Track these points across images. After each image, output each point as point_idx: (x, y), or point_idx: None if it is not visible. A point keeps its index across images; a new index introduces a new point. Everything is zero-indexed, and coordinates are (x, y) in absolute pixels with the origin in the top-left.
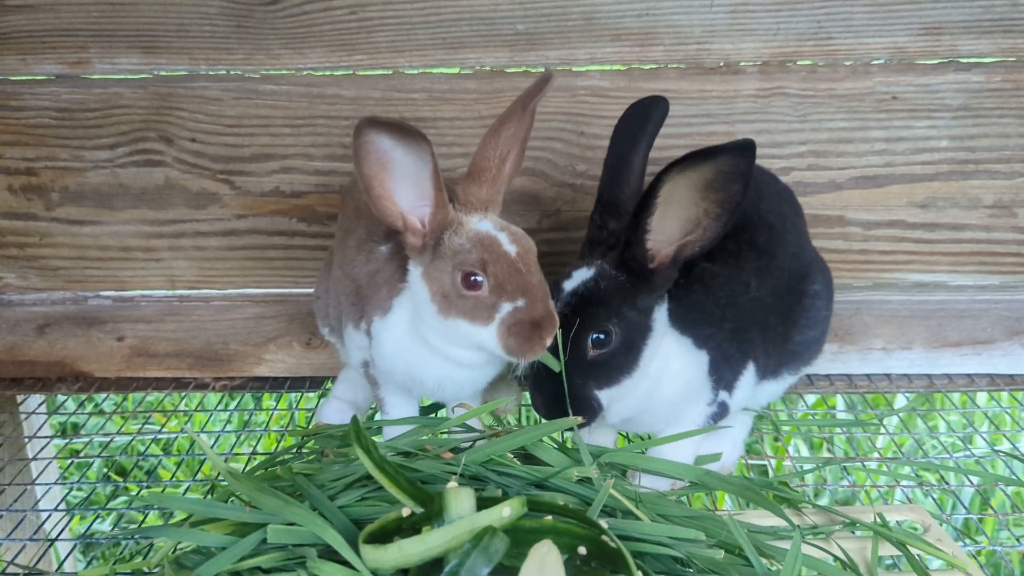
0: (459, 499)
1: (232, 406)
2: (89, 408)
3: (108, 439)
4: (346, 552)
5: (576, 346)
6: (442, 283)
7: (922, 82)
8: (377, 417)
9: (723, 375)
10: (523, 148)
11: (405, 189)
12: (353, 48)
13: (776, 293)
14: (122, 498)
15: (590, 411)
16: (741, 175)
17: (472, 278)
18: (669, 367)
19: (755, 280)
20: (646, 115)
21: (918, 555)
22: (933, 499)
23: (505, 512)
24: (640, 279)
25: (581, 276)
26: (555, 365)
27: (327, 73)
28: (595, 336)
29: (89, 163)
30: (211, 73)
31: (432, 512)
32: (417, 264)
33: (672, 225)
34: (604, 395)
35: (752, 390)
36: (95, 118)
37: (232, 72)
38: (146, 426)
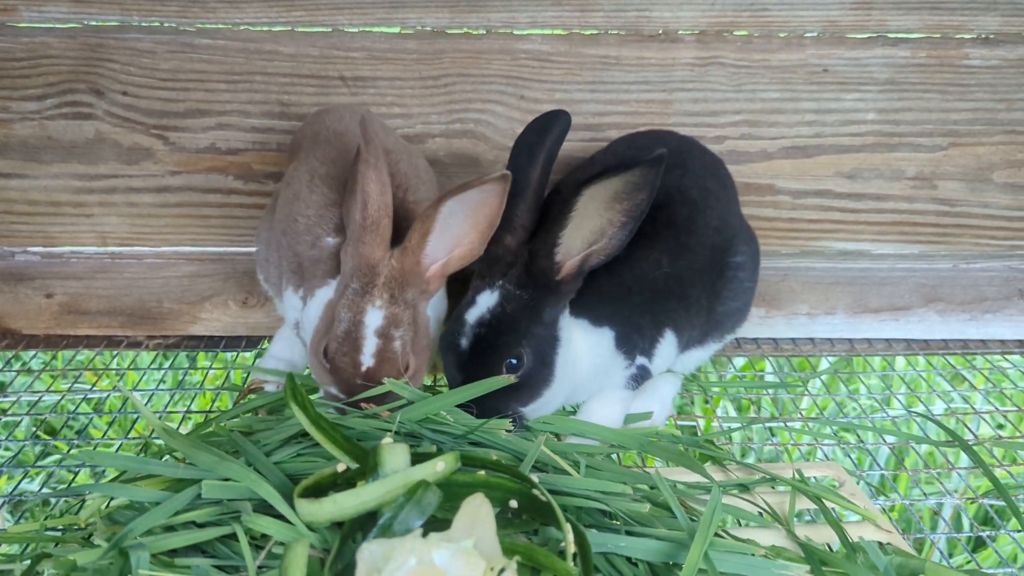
0: (394, 454)
1: (166, 365)
2: (16, 366)
3: (37, 397)
4: (280, 506)
5: (492, 374)
6: (323, 333)
7: (852, 56)
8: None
9: (635, 344)
10: (468, 247)
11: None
12: (292, 4)
13: (696, 267)
14: (52, 457)
15: (516, 426)
16: (648, 184)
17: (326, 352)
18: (577, 350)
19: (667, 257)
20: (545, 129)
21: (833, 508)
22: (851, 458)
23: (439, 467)
24: (546, 293)
25: (486, 302)
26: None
27: (264, 29)
28: (509, 362)
29: (16, 114)
30: (144, 24)
31: (367, 468)
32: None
33: (578, 236)
34: (529, 409)
35: (674, 355)
36: (22, 68)
37: (166, 24)
38: (76, 385)
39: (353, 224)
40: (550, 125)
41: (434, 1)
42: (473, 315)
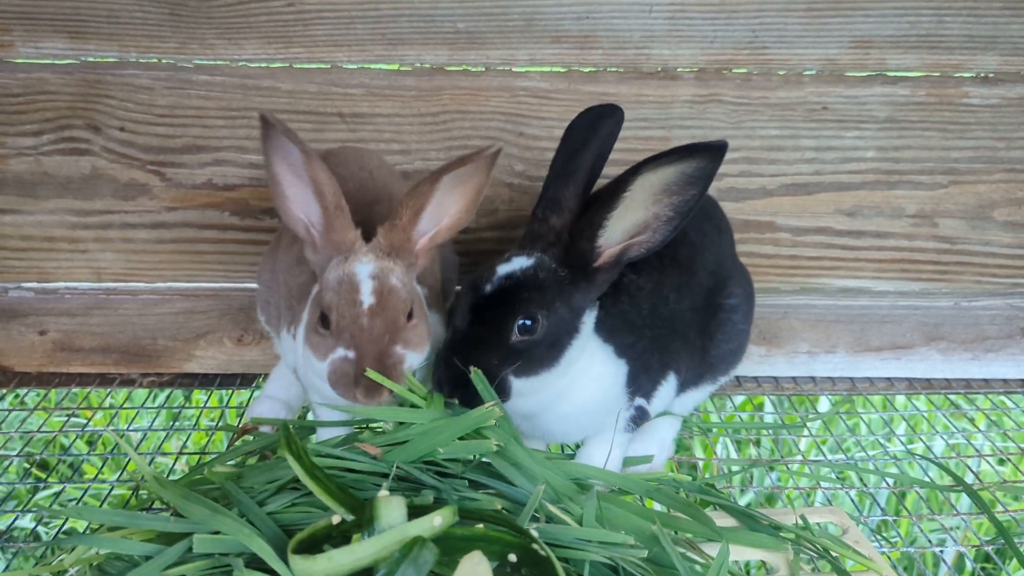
0: (390, 508)
1: (161, 402)
2: (11, 402)
3: (30, 435)
4: (274, 562)
5: (500, 328)
6: (314, 312)
7: (851, 94)
8: (309, 417)
9: (641, 385)
10: (456, 217)
11: (308, 199)
12: (290, 41)
13: (694, 308)
14: (44, 492)
15: (500, 395)
16: (704, 178)
17: (323, 317)
18: (589, 372)
19: (674, 294)
20: (599, 119)
21: (836, 556)
22: (851, 499)
23: (436, 521)
24: (580, 277)
25: (520, 262)
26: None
27: (263, 65)
28: (522, 322)
29: (11, 150)
30: (142, 61)
31: (363, 520)
32: (317, 284)
33: (622, 225)
34: (518, 383)
35: (672, 397)
36: (18, 103)
37: (164, 61)
38: (71, 420)
39: (318, 219)
40: (603, 116)
41: (433, 38)
42: (504, 268)
